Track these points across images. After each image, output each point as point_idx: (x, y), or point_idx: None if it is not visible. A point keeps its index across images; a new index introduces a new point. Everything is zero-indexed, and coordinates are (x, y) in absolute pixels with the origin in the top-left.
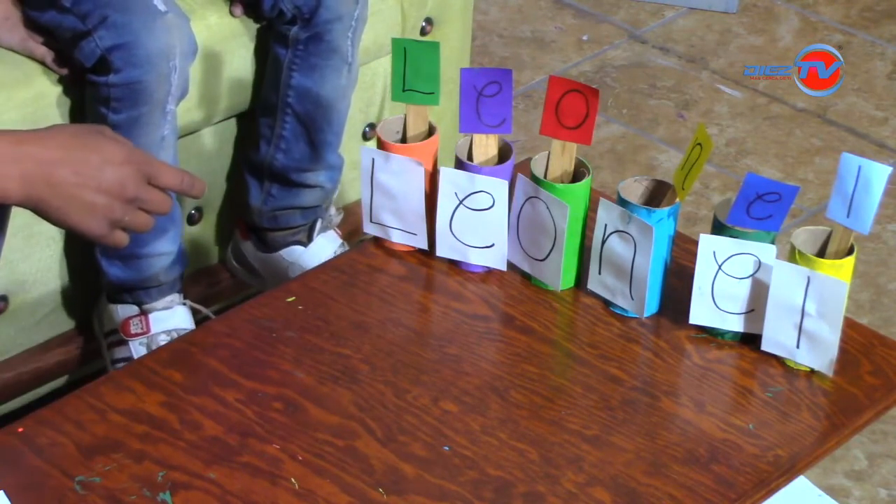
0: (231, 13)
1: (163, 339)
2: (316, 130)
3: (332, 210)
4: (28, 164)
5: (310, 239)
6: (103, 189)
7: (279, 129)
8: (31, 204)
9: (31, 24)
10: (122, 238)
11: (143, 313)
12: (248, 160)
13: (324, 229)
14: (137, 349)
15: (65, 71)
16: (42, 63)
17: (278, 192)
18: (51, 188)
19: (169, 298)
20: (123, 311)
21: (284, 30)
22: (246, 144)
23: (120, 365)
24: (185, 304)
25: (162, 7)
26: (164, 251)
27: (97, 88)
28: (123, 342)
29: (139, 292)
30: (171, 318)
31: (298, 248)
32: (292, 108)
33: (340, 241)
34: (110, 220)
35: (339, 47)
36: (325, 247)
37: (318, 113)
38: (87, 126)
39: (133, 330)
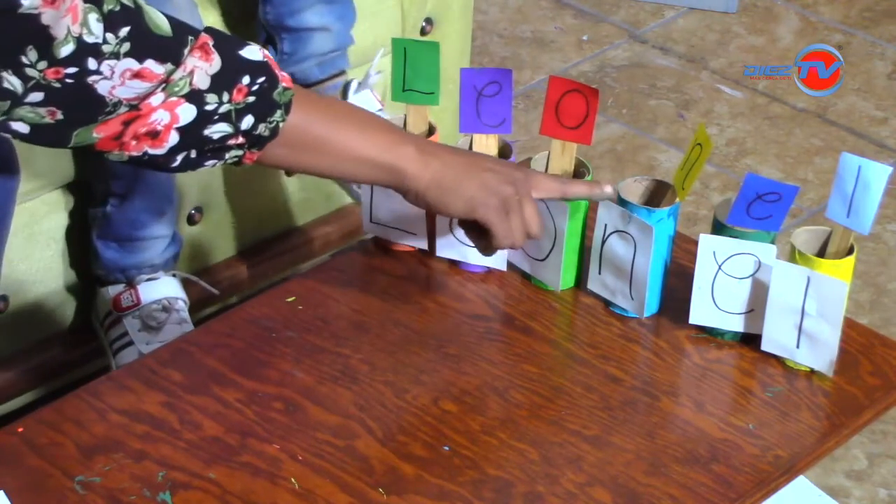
0: None
1: (155, 309)
2: None
3: (372, 72)
4: (423, 143)
5: (344, 97)
6: (496, 170)
7: None
8: (426, 177)
9: None
10: (520, 234)
11: (132, 286)
12: (259, 27)
13: (360, 89)
14: (131, 323)
15: None
16: None
17: (289, 44)
18: (443, 164)
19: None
20: (114, 289)
21: None
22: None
23: (117, 344)
24: (174, 275)
25: None
26: (160, 234)
27: None
28: (118, 320)
29: (131, 271)
30: (160, 286)
31: None
32: None
33: (379, 105)
34: (503, 197)
35: None
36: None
37: None
38: None
39: (124, 303)
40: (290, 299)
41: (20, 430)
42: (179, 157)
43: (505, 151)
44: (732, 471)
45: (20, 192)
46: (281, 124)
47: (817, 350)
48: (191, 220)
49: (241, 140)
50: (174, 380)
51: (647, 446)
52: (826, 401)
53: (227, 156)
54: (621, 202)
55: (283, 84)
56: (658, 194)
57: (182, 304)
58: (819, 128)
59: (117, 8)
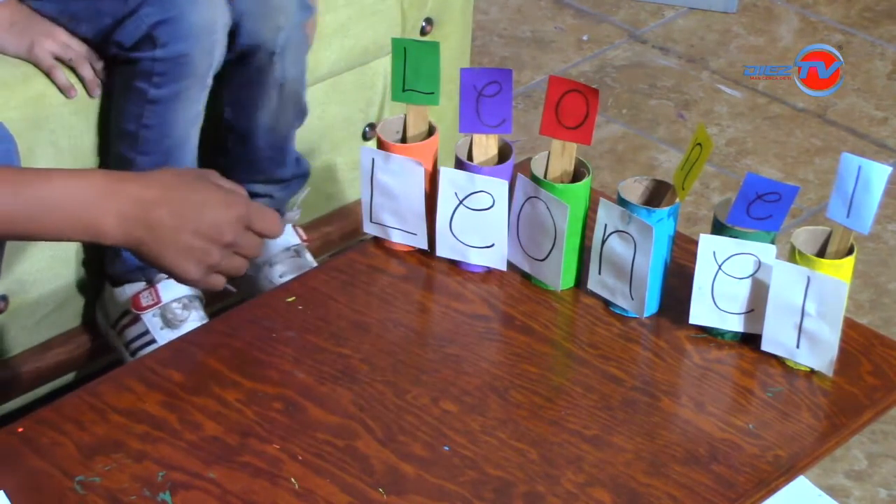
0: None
1: (176, 307)
2: (254, 148)
3: (295, 208)
4: (127, 203)
5: None
6: (201, 232)
7: (222, 140)
8: (129, 244)
9: (55, 15)
10: (218, 281)
11: (152, 285)
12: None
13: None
14: (152, 321)
15: (69, 86)
16: (47, 74)
17: None
18: (149, 230)
19: None
20: (131, 288)
21: None
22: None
23: (136, 344)
24: None
25: None
26: None
27: (138, 64)
28: (136, 319)
29: (151, 270)
30: (180, 285)
31: None
32: (230, 122)
33: (299, 240)
34: (207, 264)
35: (265, 70)
36: (276, 242)
37: (256, 132)
38: (193, 170)
39: (144, 303)
40: (290, 299)
41: (20, 430)
42: None
43: (505, 151)
44: (732, 471)
45: None
46: None
47: (817, 350)
48: None
49: None
50: (174, 380)
51: (647, 446)
52: (826, 401)
53: None
54: (621, 202)
55: None
56: (658, 194)
57: (199, 303)
58: (819, 128)
59: None
